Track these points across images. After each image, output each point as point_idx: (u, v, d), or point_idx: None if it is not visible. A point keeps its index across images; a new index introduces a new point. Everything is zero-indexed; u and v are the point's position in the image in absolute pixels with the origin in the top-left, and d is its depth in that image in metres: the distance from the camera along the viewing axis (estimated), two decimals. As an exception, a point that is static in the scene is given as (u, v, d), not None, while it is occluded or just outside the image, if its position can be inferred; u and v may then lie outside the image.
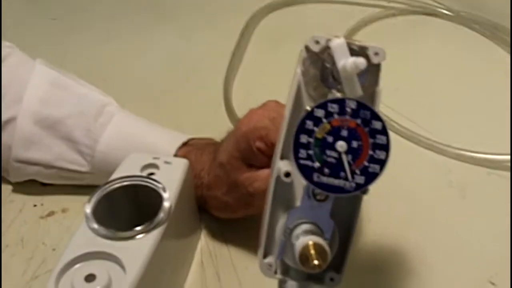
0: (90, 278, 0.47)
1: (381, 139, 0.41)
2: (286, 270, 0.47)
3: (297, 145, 0.41)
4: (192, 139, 0.67)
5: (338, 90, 0.44)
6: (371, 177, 0.41)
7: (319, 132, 0.41)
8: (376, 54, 0.44)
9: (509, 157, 0.72)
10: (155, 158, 0.59)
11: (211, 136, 0.67)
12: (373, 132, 0.41)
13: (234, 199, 0.60)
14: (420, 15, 1.05)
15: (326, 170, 0.41)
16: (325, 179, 0.41)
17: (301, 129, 0.41)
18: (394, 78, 0.85)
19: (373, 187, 0.67)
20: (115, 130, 0.66)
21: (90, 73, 0.75)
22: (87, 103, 0.66)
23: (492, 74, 0.89)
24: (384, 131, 0.41)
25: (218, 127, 0.66)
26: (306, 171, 0.41)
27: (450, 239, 0.65)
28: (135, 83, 0.88)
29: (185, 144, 0.65)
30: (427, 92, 0.85)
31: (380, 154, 0.41)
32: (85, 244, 0.50)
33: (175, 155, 0.64)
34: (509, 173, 0.72)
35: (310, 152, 0.41)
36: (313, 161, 0.41)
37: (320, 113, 0.41)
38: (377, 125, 0.41)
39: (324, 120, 0.41)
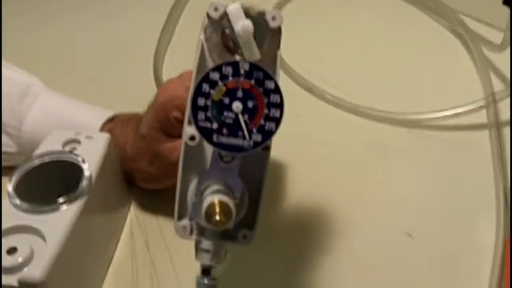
0: (12, 251, 0.48)
1: (275, 98, 0.43)
2: (201, 231, 0.49)
3: (196, 108, 0.43)
4: (118, 114, 0.68)
5: (240, 55, 0.46)
6: (268, 134, 0.43)
7: (215, 94, 0.43)
8: (274, 18, 0.45)
9: (428, 116, 0.75)
10: (76, 133, 0.60)
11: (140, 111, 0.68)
12: (267, 92, 0.43)
13: (158, 170, 0.61)
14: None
15: (225, 131, 0.43)
16: (224, 139, 0.43)
17: (198, 92, 0.43)
18: (320, 48, 0.88)
19: (298, 151, 0.70)
20: (40, 109, 0.66)
21: (17, 57, 0.75)
22: (12, 85, 0.67)
23: (415, 39, 0.92)
24: (277, 90, 0.43)
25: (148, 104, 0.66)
26: (205, 133, 0.43)
27: (370, 197, 0.68)
28: (64, 64, 0.88)
29: (110, 119, 0.67)
30: (351, 60, 0.87)
31: (275, 113, 0.43)
32: (7, 220, 0.51)
33: (101, 130, 0.65)
34: (427, 131, 0.75)
35: (208, 114, 0.43)
36: (211, 123, 0.43)
37: (215, 76, 0.42)
38: (270, 84, 0.43)
39: (220, 83, 0.42)
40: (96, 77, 0.86)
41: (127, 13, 1.02)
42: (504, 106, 0.75)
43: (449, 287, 0.59)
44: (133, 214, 0.66)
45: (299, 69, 0.83)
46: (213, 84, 0.42)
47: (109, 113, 0.67)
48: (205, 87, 0.42)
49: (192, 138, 0.46)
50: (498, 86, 0.78)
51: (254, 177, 0.49)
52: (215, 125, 0.43)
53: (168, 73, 0.85)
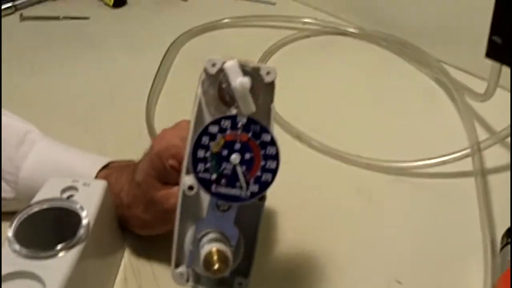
0: (11, 296, 0.49)
1: (271, 150, 0.45)
2: (197, 278, 0.50)
3: (195, 160, 0.45)
4: (113, 162, 0.69)
5: (236, 108, 0.48)
6: (264, 185, 0.45)
7: (214, 146, 0.45)
8: (268, 73, 0.48)
9: (414, 164, 0.77)
10: (74, 181, 0.61)
11: (134, 159, 0.69)
12: (264, 144, 0.45)
13: (152, 216, 0.62)
14: (332, 35, 1.10)
15: (223, 181, 0.45)
16: (222, 190, 0.45)
17: (198, 144, 0.44)
18: (307, 96, 0.91)
19: (287, 197, 0.72)
20: (37, 157, 0.68)
21: (13, 103, 0.77)
22: (9, 132, 0.68)
23: (399, 88, 0.94)
24: (273, 143, 0.45)
25: (141, 150, 0.67)
26: (205, 183, 0.45)
27: (359, 243, 0.69)
28: (59, 110, 0.90)
29: (105, 167, 0.68)
30: (337, 108, 0.89)
31: (271, 164, 0.45)
32: (7, 265, 0.52)
33: (96, 178, 0.66)
34: (414, 179, 0.77)
35: (208, 165, 0.45)
36: (210, 174, 0.45)
37: (214, 129, 0.44)
38: (266, 137, 0.45)
39: (219, 135, 0.44)
40: (89, 123, 0.87)
41: (121, 60, 1.04)
42: (488, 154, 0.77)
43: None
44: (127, 259, 0.67)
45: (287, 117, 0.85)
46: (212, 137, 0.44)
47: (104, 161, 0.68)
48: (205, 139, 0.44)
49: (191, 188, 0.48)
50: (483, 135, 0.80)
51: (249, 225, 0.51)
52: (214, 176, 0.45)
53: (160, 119, 0.87)
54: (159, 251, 0.65)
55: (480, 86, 0.82)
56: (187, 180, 0.47)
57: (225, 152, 0.45)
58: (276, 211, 0.72)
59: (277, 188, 0.68)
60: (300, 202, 0.74)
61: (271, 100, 0.50)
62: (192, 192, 0.48)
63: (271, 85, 0.49)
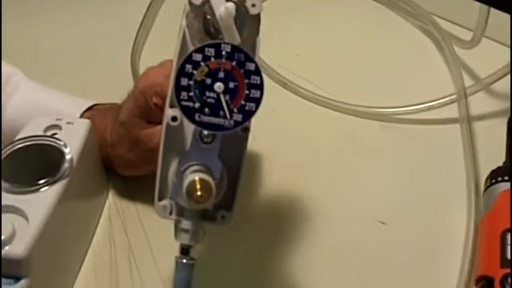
0: (-6, 229, 0.49)
1: (255, 79, 0.44)
2: (181, 211, 0.50)
3: (179, 88, 0.44)
4: (98, 104, 0.69)
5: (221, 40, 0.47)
6: (248, 114, 0.45)
7: (198, 74, 0.44)
8: (253, 5, 0.47)
9: (400, 109, 0.77)
10: (58, 119, 0.61)
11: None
12: (248, 73, 0.44)
13: (137, 156, 0.62)
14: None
15: (207, 110, 0.44)
16: (206, 118, 0.45)
17: (181, 72, 0.44)
18: (294, 45, 0.91)
19: (274, 143, 0.72)
20: (21, 98, 0.67)
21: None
22: None
23: (388, 38, 0.93)
24: (257, 72, 0.44)
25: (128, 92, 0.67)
26: (188, 112, 0.44)
27: (344, 187, 0.70)
28: (42, 61, 0.88)
29: (90, 108, 0.68)
30: (325, 56, 0.89)
31: (255, 93, 0.44)
32: (-10, 201, 0.52)
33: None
34: (400, 125, 0.77)
35: (191, 94, 0.44)
36: (194, 102, 0.44)
37: (198, 57, 0.44)
38: (251, 66, 0.44)
39: (202, 64, 0.44)
40: (74, 71, 0.86)
41: (104, 10, 1.02)
42: (474, 100, 0.77)
43: (421, 273, 0.61)
44: (111, 200, 0.67)
45: (275, 65, 0.84)
46: (196, 65, 0.44)
47: (89, 103, 0.68)
48: (188, 67, 0.44)
49: (174, 119, 0.47)
50: (469, 81, 0.80)
51: (233, 159, 0.50)
52: (197, 105, 0.44)
53: (146, 66, 0.85)
54: (143, 192, 0.65)
55: (467, 36, 0.81)
56: (171, 111, 0.47)
57: (208, 81, 0.44)
58: (262, 156, 0.73)
59: (263, 134, 0.69)
60: (286, 148, 0.74)
61: (256, 33, 0.49)
62: (176, 123, 0.47)
63: (257, 17, 0.48)
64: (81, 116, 0.67)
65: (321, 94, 0.80)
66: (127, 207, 0.66)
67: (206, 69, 0.44)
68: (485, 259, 0.57)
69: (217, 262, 0.61)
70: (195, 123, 0.45)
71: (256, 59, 0.47)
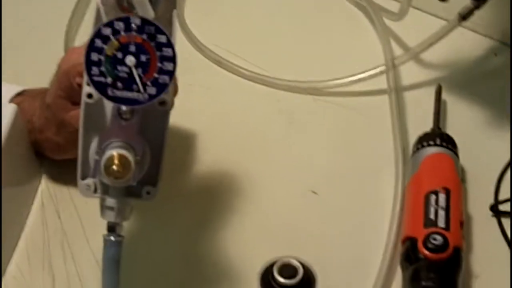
0: None
1: (167, 51, 0.44)
2: (105, 189, 0.50)
3: (89, 63, 0.44)
4: (27, 90, 0.68)
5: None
6: (162, 87, 0.45)
7: (108, 49, 0.44)
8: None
9: (331, 82, 0.77)
10: (-19, 106, 0.60)
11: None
12: (159, 46, 0.44)
13: (64, 139, 0.62)
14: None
15: (119, 84, 0.45)
16: (119, 93, 0.45)
17: (91, 47, 0.44)
18: (228, 22, 0.90)
19: (208, 122, 0.73)
20: None
21: None
22: None
23: (320, 12, 0.92)
24: (169, 44, 0.44)
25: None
26: (100, 87, 0.45)
27: (277, 160, 0.71)
28: None
29: (19, 94, 0.67)
30: (257, 33, 0.88)
31: (168, 66, 0.45)
32: None
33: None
34: (332, 98, 0.78)
35: (102, 69, 0.44)
36: (105, 77, 0.44)
37: (107, 31, 0.44)
38: (162, 38, 0.44)
39: (112, 38, 0.44)
40: (6, 54, 0.83)
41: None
42: (403, 71, 0.78)
43: (352, 239, 0.63)
44: (44, 185, 0.67)
45: (208, 42, 0.84)
46: (106, 39, 0.44)
47: (18, 88, 0.67)
48: (98, 42, 0.44)
49: (90, 96, 0.47)
50: (399, 52, 0.81)
51: (155, 134, 0.51)
52: (109, 80, 0.44)
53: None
54: (75, 175, 0.64)
55: (396, 8, 0.82)
56: (87, 89, 0.47)
57: (120, 55, 0.44)
58: (196, 134, 0.73)
59: (198, 113, 0.70)
60: (220, 126, 0.75)
61: (173, 7, 0.49)
62: (92, 100, 0.47)
63: None
64: (10, 101, 0.65)
65: (256, 71, 0.80)
66: (60, 191, 0.66)
67: (116, 43, 0.44)
68: (410, 220, 0.59)
69: (150, 239, 0.61)
70: (108, 98, 0.45)
71: (174, 32, 0.47)
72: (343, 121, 0.75)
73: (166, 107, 0.49)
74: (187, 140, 0.71)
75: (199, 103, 0.76)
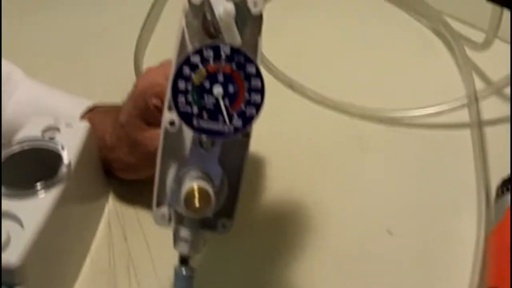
0: (-12, 236, 0.47)
1: (255, 82, 0.43)
2: (180, 219, 0.48)
3: (176, 92, 0.42)
4: (98, 105, 0.67)
5: (221, 41, 0.45)
6: (248, 120, 0.43)
7: (196, 78, 0.42)
8: (255, 4, 0.45)
9: (409, 113, 0.75)
10: (56, 121, 0.59)
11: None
12: (248, 76, 0.42)
13: (137, 159, 0.61)
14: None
15: (205, 115, 0.43)
16: (204, 124, 0.43)
17: (179, 75, 0.42)
18: (301, 44, 0.88)
19: (279, 148, 0.70)
20: (20, 97, 0.65)
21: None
22: None
23: (396, 38, 0.91)
24: (258, 75, 0.42)
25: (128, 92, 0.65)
26: (186, 117, 0.43)
27: (350, 193, 0.67)
28: (45, 55, 0.86)
29: (90, 109, 0.66)
30: (332, 56, 0.86)
31: (256, 98, 0.43)
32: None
33: (80, 120, 0.64)
34: (409, 129, 0.75)
35: (189, 98, 0.42)
36: (192, 107, 0.43)
37: (196, 59, 0.42)
38: (251, 69, 0.42)
39: (200, 66, 0.42)
40: (74, 65, 0.84)
41: (110, 3, 1.00)
42: (485, 105, 0.75)
43: (430, 284, 0.59)
44: (111, 204, 0.65)
45: (280, 65, 0.81)
46: (194, 68, 0.42)
47: (89, 103, 0.66)
48: (186, 70, 0.42)
49: (172, 123, 0.46)
50: (480, 85, 0.78)
51: (233, 165, 0.49)
52: (195, 110, 0.43)
53: (149, 64, 0.83)
54: (144, 196, 0.62)
55: (479, 38, 0.79)
56: (168, 115, 0.45)
57: (207, 84, 0.43)
58: (266, 160, 0.70)
59: (267, 137, 0.67)
60: (291, 151, 0.72)
61: (258, 33, 0.47)
62: (174, 128, 0.46)
63: (258, 17, 0.46)
64: (81, 117, 0.65)
65: (328, 95, 0.78)
66: (127, 212, 0.64)
67: (204, 72, 0.42)
68: (496, 270, 0.55)
69: (219, 271, 0.59)
70: (193, 128, 0.43)
71: (258, 61, 0.45)
72: (421, 154, 0.72)
73: (249, 138, 0.46)
74: (255, 167, 0.69)
75: (268, 127, 0.73)
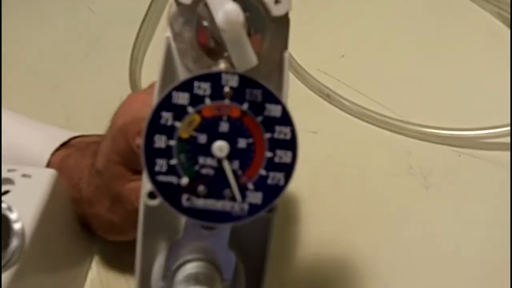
0: None
1: (282, 131, 0.27)
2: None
3: (151, 153, 0.26)
4: (75, 137, 0.54)
5: (227, 61, 0.30)
6: (273, 192, 0.27)
7: (184, 128, 0.26)
8: (278, 1, 0.30)
9: (483, 132, 0.61)
10: (10, 170, 0.46)
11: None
12: (270, 123, 0.27)
13: (121, 217, 0.47)
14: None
15: (201, 188, 0.27)
16: (200, 202, 0.28)
17: (155, 126, 0.26)
18: (339, 44, 0.74)
19: (314, 179, 0.58)
20: None
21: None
22: None
23: (458, 32, 0.76)
24: (285, 119, 0.27)
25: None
26: (168, 192, 0.27)
27: (410, 243, 0.54)
28: (22, 66, 0.74)
29: (66, 143, 0.53)
30: (378, 58, 0.72)
31: (284, 156, 0.27)
32: None
33: (50, 161, 0.51)
34: (483, 152, 0.61)
35: (173, 161, 0.26)
36: (178, 176, 0.27)
37: (183, 98, 0.26)
38: (275, 110, 0.27)
39: (191, 110, 0.26)
40: (59, 79, 0.72)
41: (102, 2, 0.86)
42: None
43: None
44: (95, 272, 0.53)
45: (313, 70, 0.69)
46: (180, 112, 0.26)
47: (62, 137, 0.53)
48: (166, 117, 0.26)
49: (152, 195, 0.30)
50: None
51: (253, 245, 0.33)
52: (184, 180, 0.27)
53: (148, 76, 0.71)
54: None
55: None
56: (148, 185, 0.29)
57: (202, 138, 0.27)
58: (299, 198, 0.57)
59: (300, 165, 0.52)
60: (330, 185, 0.59)
61: (283, 46, 0.32)
62: (155, 202, 0.30)
63: (283, 20, 0.31)
64: (53, 155, 0.52)
65: (375, 109, 0.65)
66: (115, 281, 0.52)
67: (197, 119, 0.27)
68: None
69: None
70: (181, 211, 0.27)
71: (285, 92, 0.29)
72: (501, 185, 0.58)
73: (275, 213, 0.30)
74: (284, 206, 0.56)
75: (301, 151, 0.59)
